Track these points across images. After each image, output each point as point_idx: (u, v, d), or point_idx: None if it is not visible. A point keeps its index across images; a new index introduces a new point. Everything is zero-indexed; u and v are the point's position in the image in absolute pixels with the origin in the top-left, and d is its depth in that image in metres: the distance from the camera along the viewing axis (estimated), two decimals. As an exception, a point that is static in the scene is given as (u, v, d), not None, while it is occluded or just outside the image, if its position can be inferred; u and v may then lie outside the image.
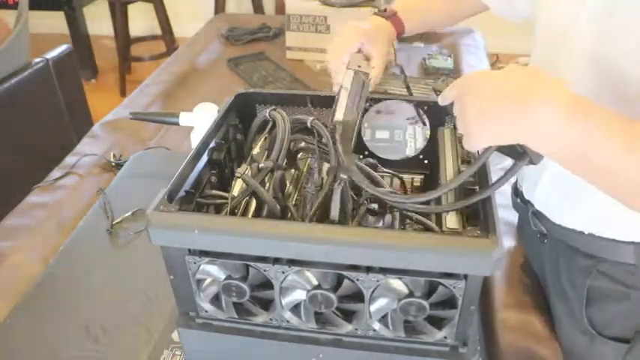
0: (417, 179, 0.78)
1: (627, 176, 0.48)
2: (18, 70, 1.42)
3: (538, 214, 0.75)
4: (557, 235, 0.73)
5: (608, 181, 0.50)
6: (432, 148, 0.76)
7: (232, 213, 0.60)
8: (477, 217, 0.56)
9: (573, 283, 0.72)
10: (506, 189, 1.01)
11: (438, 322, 0.55)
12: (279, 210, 0.59)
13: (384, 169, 0.72)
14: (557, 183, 0.70)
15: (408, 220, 0.62)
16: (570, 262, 0.72)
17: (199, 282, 0.58)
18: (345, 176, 0.60)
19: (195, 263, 0.55)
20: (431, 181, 0.77)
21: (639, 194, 0.49)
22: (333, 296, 0.53)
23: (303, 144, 0.71)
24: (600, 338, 0.70)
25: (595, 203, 0.64)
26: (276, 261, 0.53)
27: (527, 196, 0.77)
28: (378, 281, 0.52)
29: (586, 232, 0.68)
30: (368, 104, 0.77)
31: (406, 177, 0.75)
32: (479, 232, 0.52)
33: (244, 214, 0.62)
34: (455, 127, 0.75)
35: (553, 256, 0.76)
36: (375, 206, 0.63)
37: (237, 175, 0.62)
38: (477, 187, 0.59)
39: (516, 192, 0.82)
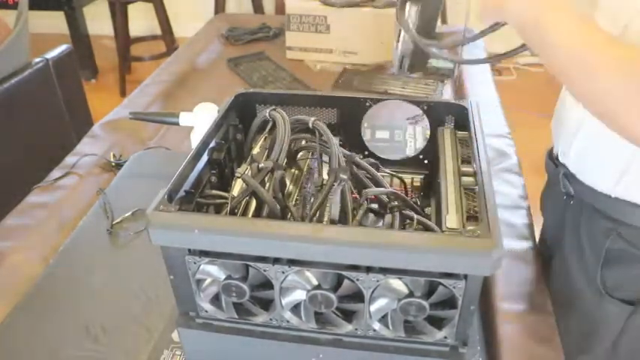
0: (417, 179, 0.78)
1: (572, 53, 0.53)
2: (18, 70, 1.42)
3: (569, 176, 0.79)
4: (584, 196, 0.77)
5: (554, 55, 0.55)
6: (432, 148, 0.76)
7: (232, 213, 0.60)
8: (477, 217, 0.56)
9: (593, 244, 0.76)
10: (506, 190, 1.02)
11: (438, 322, 0.55)
12: (279, 210, 0.59)
13: (384, 169, 0.72)
14: (591, 145, 0.74)
15: (408, 220, 0.62)
16: (592, 223, 0.77)
17: (199, 282, 0.58)
18: (345, 176, 0.61)
19: (195, 263, 0.55)
20: (431, 181, 0.77)
21: (579, 71, 0.54)
22: (333, 296, 0.53)
23: (303, 142, 0.71)
24: (608, 298, 0.75)
25: (625, 168, 0.69)
26: (276, 261, 0.53)
27: (561, 159, 0.82)
28: (378, 281, 0.52)
29: (612, 196, 0.72)
30: (368, 104, 0.77)
31: (406, 177, 0.75)
32: (479, 232, 0.52)
33: (244, 214, 0.62)
34: (454, 127, 0.75)
35: (576, 217, 0.80)
36: (375, 206, 0.63)
37: (237, 175, 0.62)
38: (477, 187, 0.59)
39: (550, 155, 0.86)
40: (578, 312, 0.80)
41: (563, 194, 0.82)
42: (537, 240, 0.91)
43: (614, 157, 0.70)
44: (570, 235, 0.82)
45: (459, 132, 0.74)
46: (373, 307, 0.55)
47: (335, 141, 0.64)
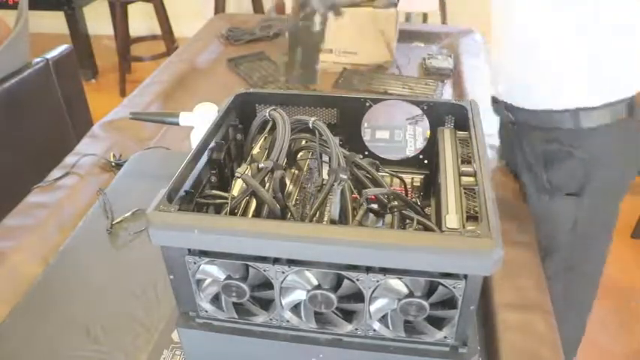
0: (417, 179, 0.78)
1: None
2: (18, 70, 1.42)
3: (508, 106, 0.97)
4: (521, 118, 0.95)
5: None
6: (432, 148, 0.76)
7: (232, 213, 0.60)
8: (477, 217, 0.56)
9: (534, 153, 0.95)
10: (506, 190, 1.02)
11: (438, 322, 0.55)
12: (279, 210, 0.59)
13: (384, 169, 0.72)
14: (512, 76, 0.94)
15: (407, 220, 0.62)
16: (531, 137, 0.95)
17: (199, 282, 0.58)
18: (345, 176, 0.61)
19: (195, 263, 0.55)
20: (431, 181, 0.77)
21: None
22: (333, 296, 0.53)
23: (304, 142, 0.71)
24: (558, 194, 0.93)
25: (540, 85, 0.89)
26: (276, 261, 0.53)
27: (498, 97, 1.00)
28: (378, 281, 0.52)
29: (538, 110, 0.90)
30: (368, 104, 0.77)
31: (406, 177, 0.75)
32: (479, 232, 0.52)
33: (244, 214, 0.62)
34: (454, 127, 0.75)
35: (520, 137, 0.98)
36: (375, 206, 0.63)
37: (237, 175, 0.62)
38: (477, 187, 0.59)
39: (494, 99, 1.02)
40: (536, 215, 0.96)
41: (508, 123, 1.00)
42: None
43: (531, 80, 0.90)
44: (520, 153, 0.99)
45: (459, 132, 0.74)
46: (373, 307, 0.55)
47: (335, 141, 0.64)
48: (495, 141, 1.16)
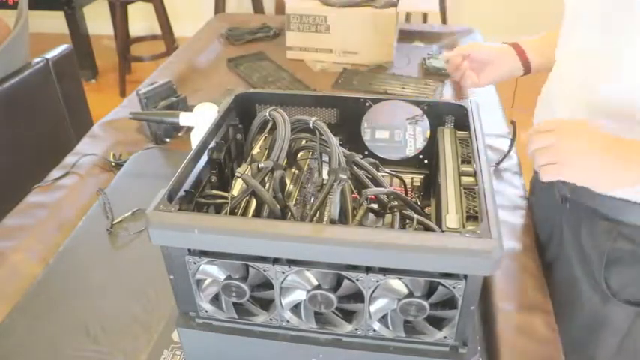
0: (417, 179, 0.78)
1: None
2: (18, 70, 1.42)
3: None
4: (580, 198, 0.76)
5: None
6: (432, 148, 0.76)
7: (232, 213, 0.60)
8: (477, 217, 0.56)
9: (594, 246, 0.75)
10: (506, 190, 1.02)
11: (438, 322, 0.55)
12: (279, 210, 0.59)
13: (384, 169, 0.72)
14: None
15: (408, 220, 0.62)
16: (592, 224, 0.75)
17: (199, 282, 0.58)
18: (345, 176, 0.61)
19: (195, 263, 0.55)
20: (431, 181, 0.77)
21: None
22: (333, 296, 0.53)
23: (304, 142, 0.71)
24: (614, 300, 0.73)
25: None
26: (276, 261, 0.53)
27: None
28: (378, 281, 0.52)
29: (608, 195, 0.71)
30: (368, 104, 0.77)
31: (406, 177, 0.75)
32: (479, 232, 0.52)
33: (244, 214, 0.62)
34: (454, 127, 0.75)
35: (574, 219, 0.79)
36: (375, 206, 0.63)
37: (237, 175, 0.62)
38: (477, 187, 0.59)
39: None
40: (580, 313, 0.79)
41: (556, 198, 0.81)
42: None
43: None
44: (570, 238, 0.81)
45: (459, 132, 0.74)
46: (373, 307, 0.55)
47: (335, 141, 0.64)
48: (495, 141, 1.15)
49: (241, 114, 0.77)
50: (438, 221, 0.60)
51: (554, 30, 0.82)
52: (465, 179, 0.63)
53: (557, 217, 0.85)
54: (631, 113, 0.66)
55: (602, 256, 0.73)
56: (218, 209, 0.63)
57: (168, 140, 1.19)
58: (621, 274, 0.73)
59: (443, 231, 0.57)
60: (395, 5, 1.52)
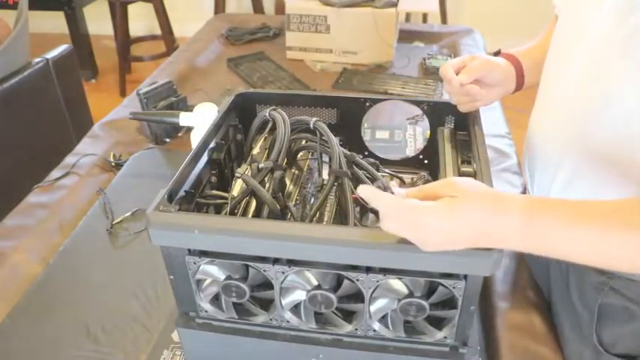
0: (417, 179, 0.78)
1: (608, 252, 0.48)
2: (18, 70, 1.42)
3: None
4: None
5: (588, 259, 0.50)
6: (432, 148, 0.76)
7: (232, 213, 0.60)
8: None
9: (584, 299, 0.70)
10: (506, 190, 1.02)
11: (438, 323, 0.55)
12: (279, 210, 0.59)
13: (384, 169, 0.72)
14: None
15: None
16: (582, 277, 0.70)
17: (199, 282, 0.58)
18: (345, 176, 0.61)
19: (195, 263, 0.55)
20: (431, 181, 0.77)
21: (627, 262, 0.49)
22: (333, 296, 0.53)
23: (304, 142, 0.71)
24: (607, 355, 0.69)
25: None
26: (276, 261, 0.53)
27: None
28: (377, 281, 0.52)
29: None
30: (368, 104, 0.77)
31: (406, 177, 0.75)
32: (479, 232, 0.52)
33: (244, 214, 0.62)
34: (454, 127, 0.75)
35: (562, 271, 0.74)
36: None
37: (237, 175, 0.62)
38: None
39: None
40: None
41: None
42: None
43: None
44: (559, 289, 0.76)
45: (459, 132, 0.74)
46: (373, 308, 0.55)
47: (336, 141, 0.64)
48: (495, 141, 1.15)
49: (241, 114, 0.77)
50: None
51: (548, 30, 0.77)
52: (465, 179, 0.63)
53: (545, 271, 0.80)
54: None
55: (592, 311, 0.69)
56: (218, 209, 0.63)
57: (168, 140, 1.19)
58: (613, 329, 0.68)
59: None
60: (395, 5, 1.52)
